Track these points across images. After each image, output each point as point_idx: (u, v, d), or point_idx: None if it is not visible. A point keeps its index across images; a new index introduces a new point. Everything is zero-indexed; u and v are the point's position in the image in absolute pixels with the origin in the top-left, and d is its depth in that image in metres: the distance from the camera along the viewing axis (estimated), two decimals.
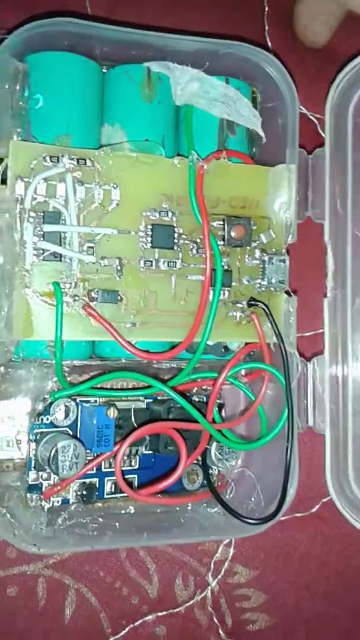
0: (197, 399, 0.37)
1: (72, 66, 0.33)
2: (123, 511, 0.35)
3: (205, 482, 0.37)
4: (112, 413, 0.32)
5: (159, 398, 0.36)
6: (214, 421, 0.35)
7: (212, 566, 0.39)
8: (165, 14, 0.38)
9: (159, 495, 0.34)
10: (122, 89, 0.34)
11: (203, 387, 0.37)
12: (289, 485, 0.34)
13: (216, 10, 0.40)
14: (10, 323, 0.30)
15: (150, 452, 0.36)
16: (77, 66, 0.33)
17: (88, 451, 0.33)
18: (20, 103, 0.32)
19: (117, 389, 0.35)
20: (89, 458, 0.33)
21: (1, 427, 0.32)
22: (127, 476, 0.35)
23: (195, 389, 0.37)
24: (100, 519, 0.33)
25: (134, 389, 0.36)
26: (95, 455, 0.33)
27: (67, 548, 0.31)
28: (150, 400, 0.36)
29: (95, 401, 0.35)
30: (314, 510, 0.40)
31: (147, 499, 0.33)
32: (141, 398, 0.36)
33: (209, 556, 0.38)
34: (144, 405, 0.36)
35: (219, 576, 0.39)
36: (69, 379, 0.33)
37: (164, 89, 0.34)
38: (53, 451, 0.31)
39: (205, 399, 0.37)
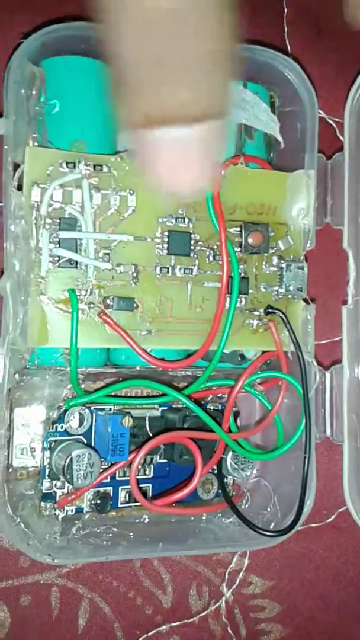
0: (212, 407, 0.37)
1: (88, 70, 0.32)
2: (137, 520, 0.35)
3: (220, 491, 0.37)
4: (127, 422, 0.32)
5: (173, 406, 0.35)
6: (229, 430, 0.34)
7: (226, 576, 0.38)
8: None
9: (174, 505, 0.34)
10: None
11: (218, 395, 0.37)
12: (307, 497, 0.33)
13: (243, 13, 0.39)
14: (25, 331, 0.30)
15: (165, 461, 0.35)
16: (94, 70, 0.33)
17: (102, 460, 0.32)
18: (37, 108, 0.32)
19: (131, 397, 0.35)
20: (103, 467, 0.33)
21: (15, 435, 0.32)
22: (141, 485, 0.34)
23: (210, 396, 0.37)
24: (115, 529, 0.33)
25: (148, 396, 0.35)
26: (110, 464, 0.33)
27: (81, 559, 0.31)
28: (165, 409, 0.35)
29: (110, 409, 0.34)
30: (329, 520, 0.40)
31: (162, 509, 0.32)
32: (156, 406, 0.35)
33: (224, 566, 0.38)
34: (158, 414, 0.35)
35: (234, 586, 0.38)
36: (82, 386, 0.33)
37: None
38: (68, 460, 0.31)
39: (220, 407, 0.37)
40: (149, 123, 0.21)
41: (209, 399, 0.37)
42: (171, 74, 0.20)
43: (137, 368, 0.34)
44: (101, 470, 0.32)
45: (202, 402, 0.36)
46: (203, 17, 0.20)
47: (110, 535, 0.33)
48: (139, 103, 0.21)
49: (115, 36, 0.20)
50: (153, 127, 0.21)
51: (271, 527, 0.34)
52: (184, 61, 0.20)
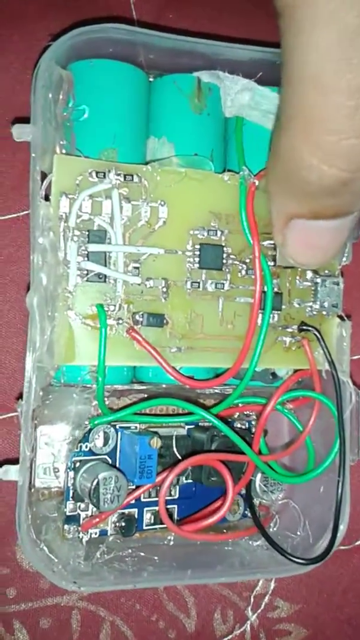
0: (239, 425, 0.35)
1: (118, 74, 0.31)
2: (162, 542, 0.34)
3: (246, 512, 0.35)
4: (156, 443, 0.31)
5: (200, 424, 0.34)
6: (260, 452, 0.33)
7: (252, 600, 0.37)
8: (214, 20, 0.36)
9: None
10: (170, 99, 0.32)
11: (245, 413, 0.35)
12: (340, 522, 0.32)
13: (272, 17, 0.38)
14: (52, 347, 0.29)
15: (191, 481, 0.34)
16: (124, 74, 0.31)
17: (129, 482, 0.31)
18: (64, 114, 0.31)
19: (156, 415, 0.34)
20: (129, 487, 0.31)
21: (38, 454, 0.31)
22: (167, 506, 0.33)
23: (237, 414, 0.35)
24: (140, 552, 0.32)
25: (174, 414, 0.34)
26: (136, 486, 0.32)
27: (108, 587, 0.30)
28: (192, 427, 0.34)
29: (135, 427, 0.33)
30: (358, 542, 0.38)
31: (191, 535, 0.31)
32: (182, 424, 0.34)
33: (249, 590, 0.37)
34: (184, 432, 0.34)
35: (259, 610, 0.37)
36: (107, 402, 0.31)
37: (214, 100, 0.33)
38: (94, 483, 0.30)
39: (247, 425, 0.36)
40: (315, 216, 0.25)
41: (235, 416, 0.35)
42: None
43: (163, 385, 0.33)
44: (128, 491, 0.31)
45: (229, 420, 0.35)
46: None
47: (135, 559, 0.32)
48: (311, 202, 0.25)
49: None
50: (315, 219, 0.26)
51: (301, 551, 0.33)
52: None
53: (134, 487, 0.32)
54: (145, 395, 0.33)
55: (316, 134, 0.22)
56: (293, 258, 0.28)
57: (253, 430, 0.36)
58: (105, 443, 0.32)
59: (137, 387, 0.33)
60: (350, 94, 0.20)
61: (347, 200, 0.24)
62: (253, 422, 0.36)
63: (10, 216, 0.34)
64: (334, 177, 0.23)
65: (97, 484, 0.30)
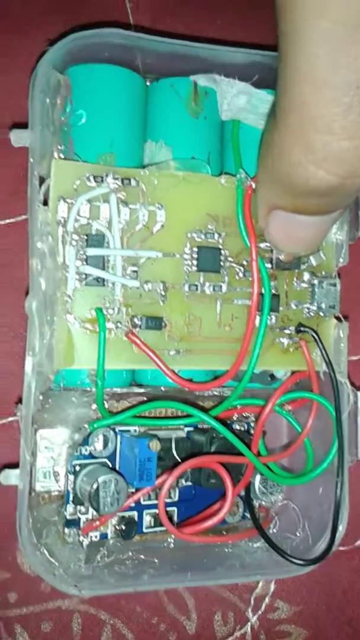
0: (238, 427, 0.36)
1: (116, 79, 0.31)
2: (162, 545, 0.34)
3: (245, 514, 0.35)
4: (155, 446, 0.31)
5: (199, 426, 0.34)
6: (259, 454, 0.33)
7: (252, 602, 0.37)
8: (211, 23, 0.37)
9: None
10: (167, 103, 0.32)
11: (243, 414, 0.36)
12: (339, 523, 0.32)
13: (268, 20, 0.38)
14: (51, 351, 0.29)
15: (190, 484, 0.34)
16: (122, 79, 0.31)
17: (129, 485, 0.31)
18: (62, 118, 0.31)
19: (156, 418, 0.34)
20: (129, 490, 0.31)
21: (39, 458, 0.31)
22: (167, 509, 0.33)
23: (236, 416, 0.35)
24: (141, 555, 0.32)
25: (173, 417, 0.34)
26: (136, 489, 0.32)
27: (109, 590, 0.30)
28: (191, 429, 0.34)
29: (135, 430, 0.33)
30: (358, 543, 0.38)
31: (191, 538, 0.31)
32: (181, 426, 0.34)
33: (249, 591, 0.37)
34: (184, 434, 0.34)
35: (259, 612, 0.37)
36: (106, 406, 0.32)
37: (210, 104, 0.33)
38: (94, 486, 0.30)
39: (246, 427, 0.36)
40: (296, 211, 0.26)
41: (234, 418, 0.36)
42: None
43: (162, 388, 0.33)
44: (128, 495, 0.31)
45: (228, 422, 0.35)
46: None
47: (136, 562, 0.32)
48: (295, 199, 0.25)
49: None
50: (297, 213, 0.26)
51: (300, 551, 0.33)
52: None
53: (133, 490, 0.32)
54: (145, 398, 0.33)
55: (308, 133, 0.22)
56: (274, 244, 0.30)
57: (252, 431, 0.36)
58: (105, 446, 0.32)
59: (136, 390, 0.33)
60: (345, 90, 0.20)
61: (332, 201, 0.24)
62: (252, 424, 0.36)
63: (8, 221, 0.34)
64: (322, 181, 0.22)
65: (97, 487, 0.30)
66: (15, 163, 0.34)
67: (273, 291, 0.32)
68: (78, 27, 0.32)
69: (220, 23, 0.37)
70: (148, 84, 0.33)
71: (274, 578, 0.36)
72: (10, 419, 0.34)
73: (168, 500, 0.34)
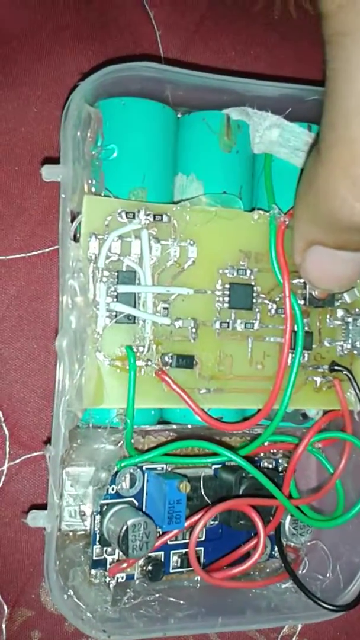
0: (266, 464, 0.35)
1: (148, 112, 0.31)
2: (189, 585, 0.33)
3: (273, 553, 0.35)
4: (185, 487, 0.30)
5: (227, 464, 0.33)
6: (290, 495, 0.32)
7: None
8: (242, 53, 0.36)
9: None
10: (199, 136, 0.32)
11: (272, 451, 0.35)
12: None
13: (301, 48, 0.37)
14: (80, 390, 0.28)
15: (218, 522, 0.33)
16: (153, 112, 0.31)
17: (157, 528, 0.30)
18: (93, 152, 0.30)
19: (183, 456, 0.33)
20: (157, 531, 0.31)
21: (65, 496, 0.30)
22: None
23: (263, 453, 0.35)
24: (169, 598, 0.31)
25: (200, 454, 0.33)
26: (164, 531, 0.31)
27: (137, 635, 0.29)
28: (219, 467, 0.33)
29: (162, 468, 0.32)
30: None
31: (222, 583, 0.30)
32: (209, 464, 0.33)
33: (276, 631, 0.36)
34: (211, 472, 0.33)
35: None
36: (132, 442, 0.31)
37: (243, 137, 0.32)
38: (123, 530, 0.29)
39: (274, 464, 0.35)
40: (338, 247, 0.26)
41: (261, 455, 0.35)
42: None
43: (189, 426, 0.32)
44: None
45: (255, 459, 0.35)
46: None
47: (163, 604, 0.31)
48: (338, 235, 0.25)
49: None
50: (338, 249, 0.26)
51: (330, 595, 0.33)
52: None
53: (161, 532, 0.31)
54: (172, 434, 0.32)
55: (356, 170, 0.22)
56: (309, 281, 0.29)
57: (280, 468, 0.35)
58: (132, 485, 0.31)
59: (162, 427, 0.32)
60: None
61: None
62: (280, 461, 0.35)
63: (36, 252, 0.34)
64: None
65: (126, 530, 0.29)
66: (40, 194, 0.34)
67: (306, 328, 0.32)
68: (108, 60, 0.32)
69: (251, 52, 0.37)
70: (179, 116, 0.33)
71: (303, 622, 0.35)
72: (35, 454, 0.34)
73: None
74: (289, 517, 0.33)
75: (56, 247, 0.33)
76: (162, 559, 0.32)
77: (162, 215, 0.30)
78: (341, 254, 0.26)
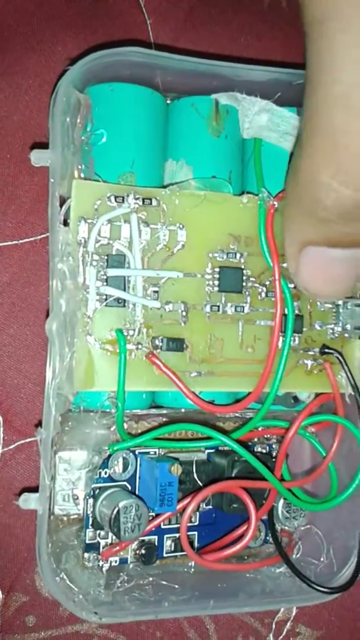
0: (260, 449, 0.35)
1: (137, 98, 0.31)
2: (183, 569, 0.33)
3: (267, 538, 0.35)
4: (176, 470, 0.30)
5: (220, 448, 0.34)
6: (283, 478, 0.32)
7: (273, 626, 0.36)
8: (233, 40, 0.36)
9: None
10: (188, 122, 0.32)
11: (265, 436, 0.35)
12: None
13: (290, 36, 0.38)
14: (71, 374, 0.28)
15: (211, 507, 0.33)
16: (143, 98, 0.31)
17: (149, 510, 0.30)
18: (82, 138, 0.30)
19: (176, 440, 0.33)
20: (150, 515, 0.31)
21: (58, 480, 0.30)
22: (187, 533, 0.33)
23: (256, 437, 0.35)
24: (162, 581, 0.31)
25: (193, 439, 0.33)
26: (156, 514, 0.31)
27: (130, 617, 0.29)
28: (212, 451, 0.33)
29: (154, 452, 0.33)
30: None
31: (214, 565, 0.30)
32: (201, 449, 0.33)
33: (271, 616, 0.36)
34: (204, 457, 0.33)
35: (281, 637, 0.36)
36: (125, 427, 0.31)
37: (232, 122, 0.32)
38: (114, 512, 0.29)
39: (268, 449, 0.35)
40: (330, 243, 0.25)
41: (255, 440, 0.35)
42: None
43: (182, 410, 0.32)
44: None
45: (249, 444, 0.35)
46: None
47: (157, 588, 0.31)
48: (327, 227, 0.24)
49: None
50: (331, 246, 0.25)
51: (324, 577, 0.33)
52: None
53: (154, 514, 0.31)
54: (164, 420, 0.32)
55: (339, 157, 0.21)
56: (306, 287, 0.28)
57: (273, 453, 0.35)
58: (125, 469, 0.32)
59: (155, 411, 0.32)
60: None
61: None
62: (274, 446, 0.35)
63: (28, 240, 0.34)
64: (352, 199, 0.22)
65: (118, 512, 0.29)
66: (32, 182, 0.34)
67: (296, 312, 0.32)
68: (98, 46, 0.32)
69: (242, 39, 0.37)
70: (168, 102, 0.33)
71: (297, 605, 0.35)
72: (29, 439, 0.34)
73: (188, 525, 0.33)
74: (282, 501, 0.33)
75: (48, 234, 0.34)
76: (156, 543, 0.32)
77: (151, 199, 0.30)
78: (335, 253, 0.25)
